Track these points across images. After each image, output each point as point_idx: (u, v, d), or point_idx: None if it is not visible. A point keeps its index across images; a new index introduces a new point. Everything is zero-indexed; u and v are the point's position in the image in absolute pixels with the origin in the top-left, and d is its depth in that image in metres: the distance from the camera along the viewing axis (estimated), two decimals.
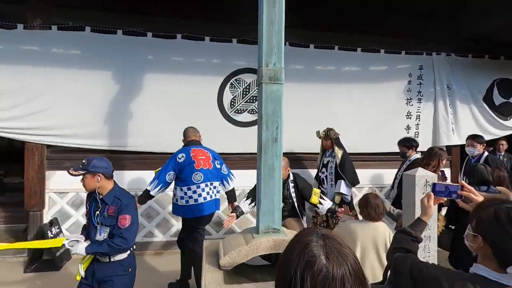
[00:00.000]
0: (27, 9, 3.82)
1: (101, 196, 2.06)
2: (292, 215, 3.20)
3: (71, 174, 2.00)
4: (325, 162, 4.00)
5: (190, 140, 3.21)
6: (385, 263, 2.15)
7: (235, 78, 4.26)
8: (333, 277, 0.61)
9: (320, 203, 3.06)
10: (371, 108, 4.72)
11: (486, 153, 3.92)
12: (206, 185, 3.02)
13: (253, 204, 3.01)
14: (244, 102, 4.30)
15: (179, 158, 3.02)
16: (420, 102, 4.97)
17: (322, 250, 0.64)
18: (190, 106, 4.15)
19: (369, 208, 2.19)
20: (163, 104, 4.11)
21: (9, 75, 3.78)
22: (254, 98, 4.32)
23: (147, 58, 4.08)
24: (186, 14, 4.11)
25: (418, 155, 3.82)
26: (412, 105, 4.96)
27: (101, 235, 2.00)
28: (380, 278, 2.06)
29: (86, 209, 2.17)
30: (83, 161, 2.02)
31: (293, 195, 3.18)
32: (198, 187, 2.97)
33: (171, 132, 4.04)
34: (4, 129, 3.79)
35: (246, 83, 4.32)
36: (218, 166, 3.22)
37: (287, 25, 1.88)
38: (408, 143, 3.87)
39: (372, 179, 4.86)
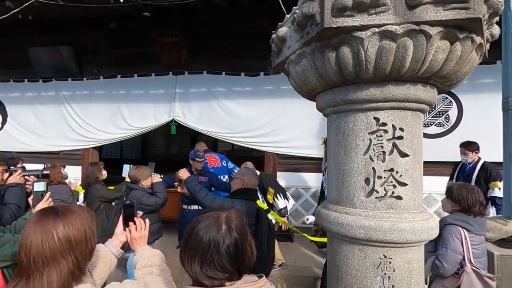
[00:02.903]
0: (267, 62, 5.66)
1: None
2: None
3: None
4: (326, 166, 4.45)
5: (205, 149, 4.56)
6: None
7: None
8: None
9: (274, 200, 3.69)
10: None
11: (482, 160, 3.87)
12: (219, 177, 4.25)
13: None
14: (431, 117, 5.02)
15: None
16: None
17: None
18: None
19: None
20: None
21: (253, 105, 5.66)
22: (440, 113, 4.99)
23: None
24: None
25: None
26: None
27: None
28: None
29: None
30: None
31: None
32: None
33: None
34: (253, 143, 5.68)
35: None
36: (225, 164, 4.49)
37: None
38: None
39: None
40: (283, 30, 1.29)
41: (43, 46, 6.29)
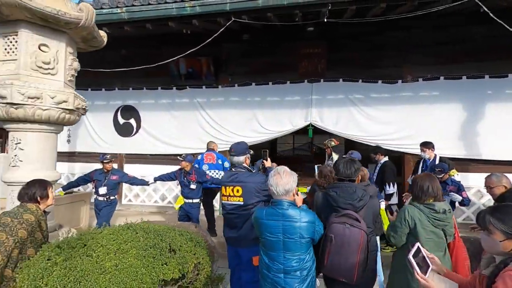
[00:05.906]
0: (403, 71, 6.14)
1: None
2: None
3: None
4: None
5: (209, 148, 5.71)
6: None
7: None
8: None
9: None
10: None
11: (438, 156, 4.83)
12: (209, 171, 5.39)
13: None
14: None
15: (197, 158, 5.62)
16: None
17: None
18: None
19: None
20: (496, 124, 5.64)
21: (391, 110, 6.08)
22: None
23: (486, 93, 5.74)
24: None
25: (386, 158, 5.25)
26: None
27: None
28: None
29: None
30: None
31: None
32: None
33: (496, 142, 5.54)
34: (393, 145, 6.03)
35: None
36: (220, 163, 5.48)
37: None
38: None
39: None
40: None
41: (182, 57, 6.81)
